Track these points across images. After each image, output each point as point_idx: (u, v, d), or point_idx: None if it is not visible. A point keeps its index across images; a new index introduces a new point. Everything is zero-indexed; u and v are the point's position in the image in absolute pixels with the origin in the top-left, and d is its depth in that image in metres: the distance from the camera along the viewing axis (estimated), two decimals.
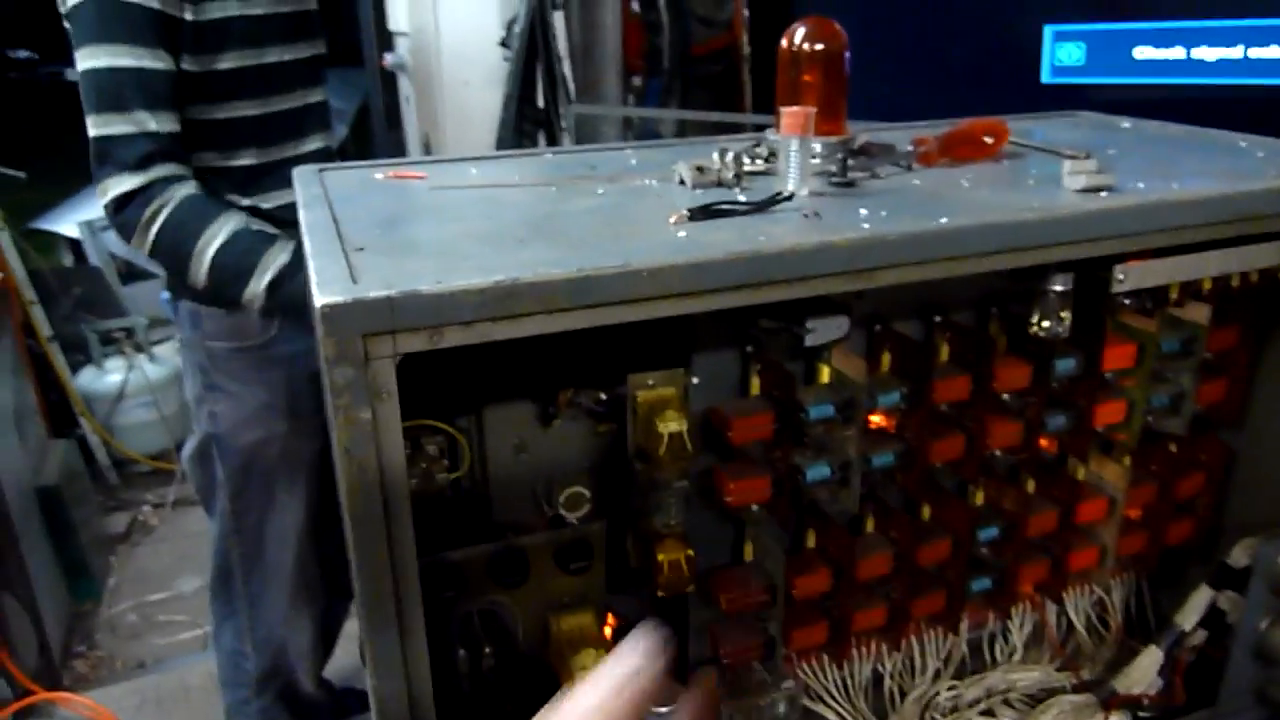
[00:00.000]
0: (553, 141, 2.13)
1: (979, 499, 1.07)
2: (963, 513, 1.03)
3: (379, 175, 0.93)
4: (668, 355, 0.89)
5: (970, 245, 0.71)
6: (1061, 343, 0.96)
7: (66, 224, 4.30)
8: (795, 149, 0.82)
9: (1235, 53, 1.31)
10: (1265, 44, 1.29)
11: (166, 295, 1.78)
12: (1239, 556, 1.08)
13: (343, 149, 4.75)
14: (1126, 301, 0.96)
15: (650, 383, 0.89)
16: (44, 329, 3.35)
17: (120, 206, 1.43)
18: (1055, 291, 0.88)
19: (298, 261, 1.42)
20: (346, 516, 0.61)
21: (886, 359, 0.97)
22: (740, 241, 0.67)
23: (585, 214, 0.78)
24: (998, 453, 1.01)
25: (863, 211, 0.77)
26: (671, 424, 0.86)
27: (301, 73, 1.69)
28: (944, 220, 0.71)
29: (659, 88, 2.32)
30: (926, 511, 1.06)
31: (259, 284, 1.42)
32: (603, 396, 0.95)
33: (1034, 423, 1.00)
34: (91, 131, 1.44)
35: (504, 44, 2.13)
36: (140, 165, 1.43)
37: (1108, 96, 1.46)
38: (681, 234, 0.70)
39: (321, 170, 0.95)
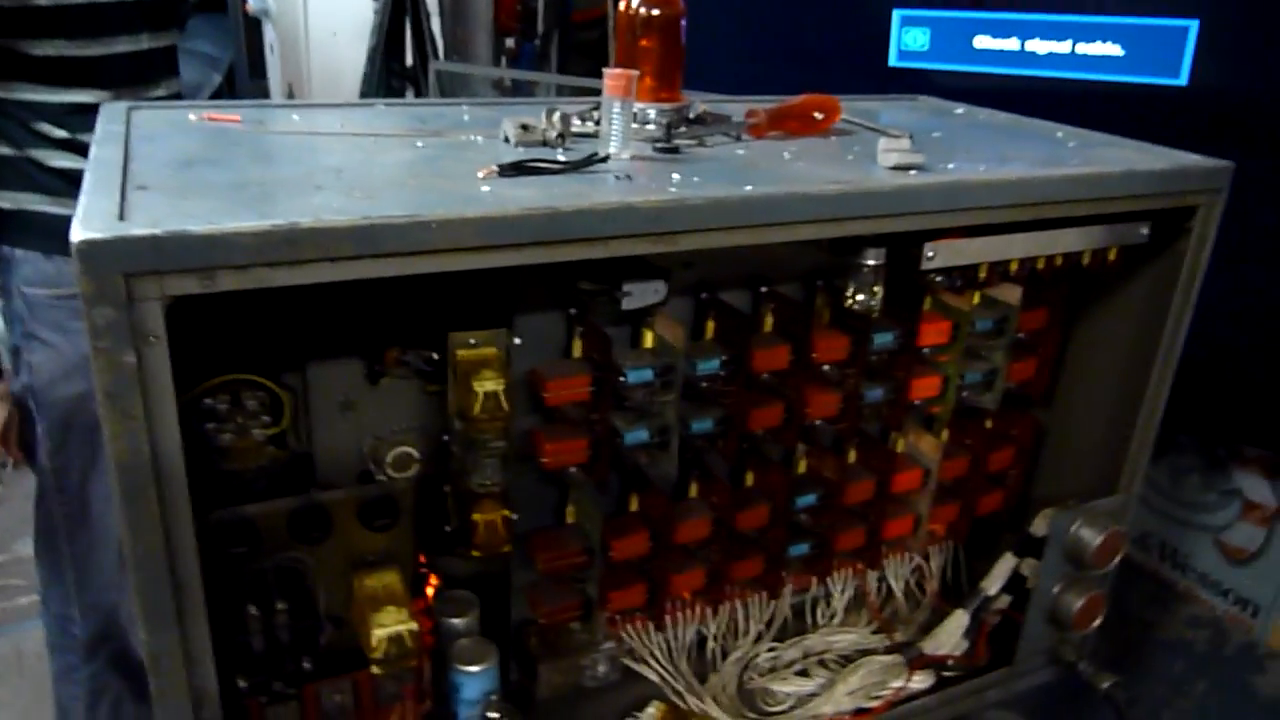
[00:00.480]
0: (419, 94, 2.08)
1: (801, 467, 1.10)
2: (782, 479, 1.06)
3: (192, 116, 0.89)
4: (492, 315, 0.88)
5: (771, 214, 0.72)
6: (881, 317, 0.99)
7: None
8: (616, 110, 0.82)
9: (1064, 47, 1.38)
10: (1092, 40, 1.36)
11: None
12: (1039, 526, 1.14)
13: (217, 95, 4.53)
14: (939, 279, 0.99)
15: (471, 342, 0.88)
16: None
17: None
18: (868, 265, 0.90)
19: None
20: (110, 466, 0.59)
21: (711, 327, 0.99)
22: (541, 199, 0.67)
23: (395, 166, 0.77)
24: (819, 422, 1.04)
25: (675, 176, 0.77)
26: (488, 383, 0.85)
27: (144, 14, 1.60)
28: (749, 188, 0.73)
29: (532, 51, 2.29)
30: (750, 478, 1.08)
31: None
32: (434, 356, 0.94)
33: (852, 394, 1.03)
34: None
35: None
36: None
37: (952, 84, 1.51)
38: (485, 189, 0.70)
39: (131, 109, 0.91)
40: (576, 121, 0.93)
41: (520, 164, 0.75)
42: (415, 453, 0.97)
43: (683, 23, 0.99)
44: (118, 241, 0.54)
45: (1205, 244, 1.03)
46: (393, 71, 2.12)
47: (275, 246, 0.57)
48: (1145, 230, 1.03)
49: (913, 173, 0.85)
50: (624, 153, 0.83)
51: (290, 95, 2.35)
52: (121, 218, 0.57)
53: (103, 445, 1.65)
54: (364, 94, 2.08)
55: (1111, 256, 1.06)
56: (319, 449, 0.93)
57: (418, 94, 2.14)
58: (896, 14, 1.49)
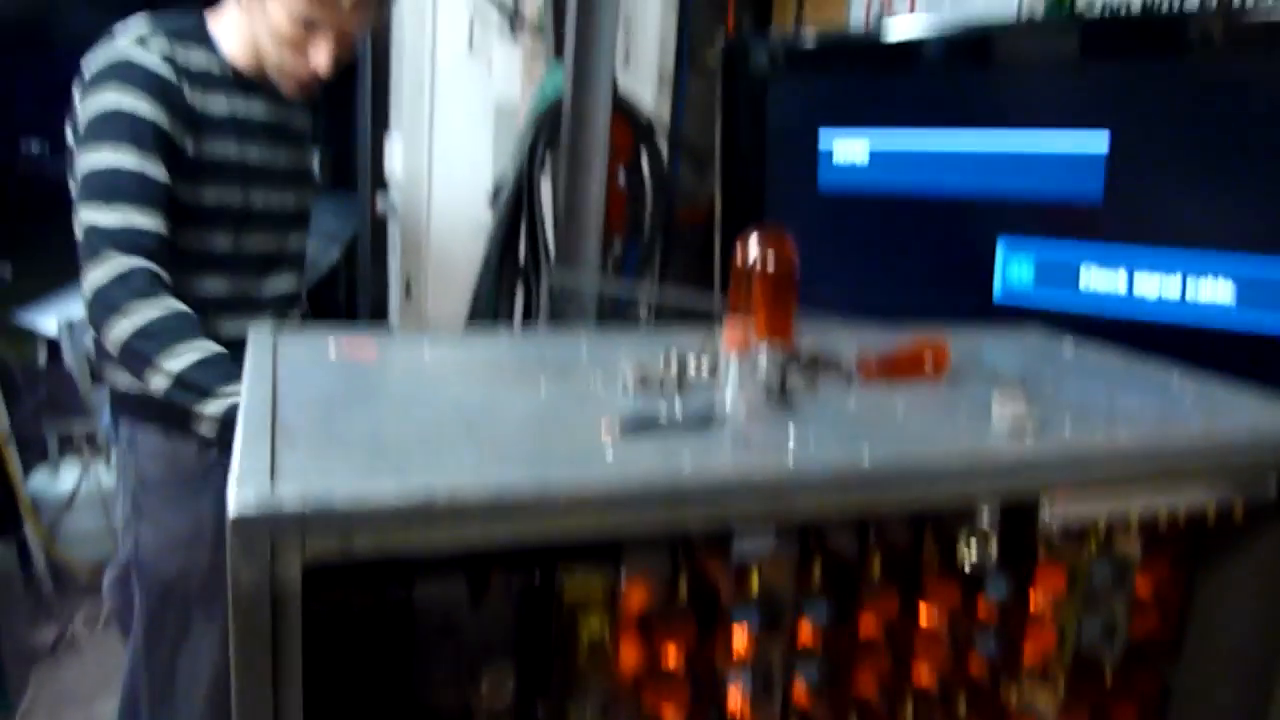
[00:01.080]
0: (529, 299, 2.18)
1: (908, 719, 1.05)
2: None
3: (332, 350, 0.95)
4: (602, 550, 0.89)
5: (888, 485, 0.73)
6: (995, 567, 0.96)
7: (46, 320, 4.32)
8: (734, 365, 0.84)
9: (1174, 287, 1.38)
10: (1204, 277, 1.36)
11: (107, 418, 1.78)
12: None
13: (333, 271, 4.83)
14: (1054, 536, 0.97)
15: (578, 575, 0.88)
16: (3, 425, 3.31)
17: (98, 294, 1.44)
18: (983, 524, 0.89)
19: None
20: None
21: (818, 570, 0.97)
22: (663, 466, 0.69)
23: (521, 416, 0.80)
24: (929, 675, 1.00)
25: (792, 438, 0.78)
26: (593, 628, 0.85)
27: (283, 219, 1.75)
28: (864, 457, 0.73)
29: (638, 251, 2.40)
30: None
31: (219, 406, 1.39)
32: (536, 579, 0.95)
33: (963, 646, 0.99)
34: (81, 220, 1.47)
35: (491, 203, 2.20)
36: (122, 255, 1.44)
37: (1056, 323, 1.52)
38: (608, 452, 0.72)
39: (277, 338, 0.97)
40: (691, 367, 0.96)
41: (640, 422, 0.77)
42: (511, 678, 0.96)
43: (796, 267, 1.02)
44: (269, 513, 0.57)
45: None
46: (504, 273, 2.24)
47: (412, 516, 0.60)
48: (1273, 487, 1.00)
49: (1029, 436, 0.84)
50: (740, 405, 0.85)
51: (408, 287, 2.49)
52: (271, 480, 0.61)
53: (195, 623, 1.69)
54: (478, 292, 2.19)
55: (1238, 513, 1.02)
56: (417, 664, 0.93)
57: (528, 292, 2.24)
58: (1001, 244, 1.53)
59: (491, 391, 0.86)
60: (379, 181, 2.62)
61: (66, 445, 3.64)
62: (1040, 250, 1.53)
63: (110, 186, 1.47)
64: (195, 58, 1.58)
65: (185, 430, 1.68)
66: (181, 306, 1.46)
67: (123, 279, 1.43)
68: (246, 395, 0.78)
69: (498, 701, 0.92)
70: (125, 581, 1.72)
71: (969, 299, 1.59)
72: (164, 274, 1.48)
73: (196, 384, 1.40)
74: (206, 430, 1.42)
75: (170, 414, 1.68)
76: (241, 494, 0.58)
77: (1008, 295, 1.58)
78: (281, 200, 1.77)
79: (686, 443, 0.75)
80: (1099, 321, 1.51)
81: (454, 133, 2.48)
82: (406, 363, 0.92)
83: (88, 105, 1.51)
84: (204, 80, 1.58)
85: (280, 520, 0.58)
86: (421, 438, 0.71)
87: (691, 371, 0.95)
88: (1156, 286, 1.42)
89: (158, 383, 1.41)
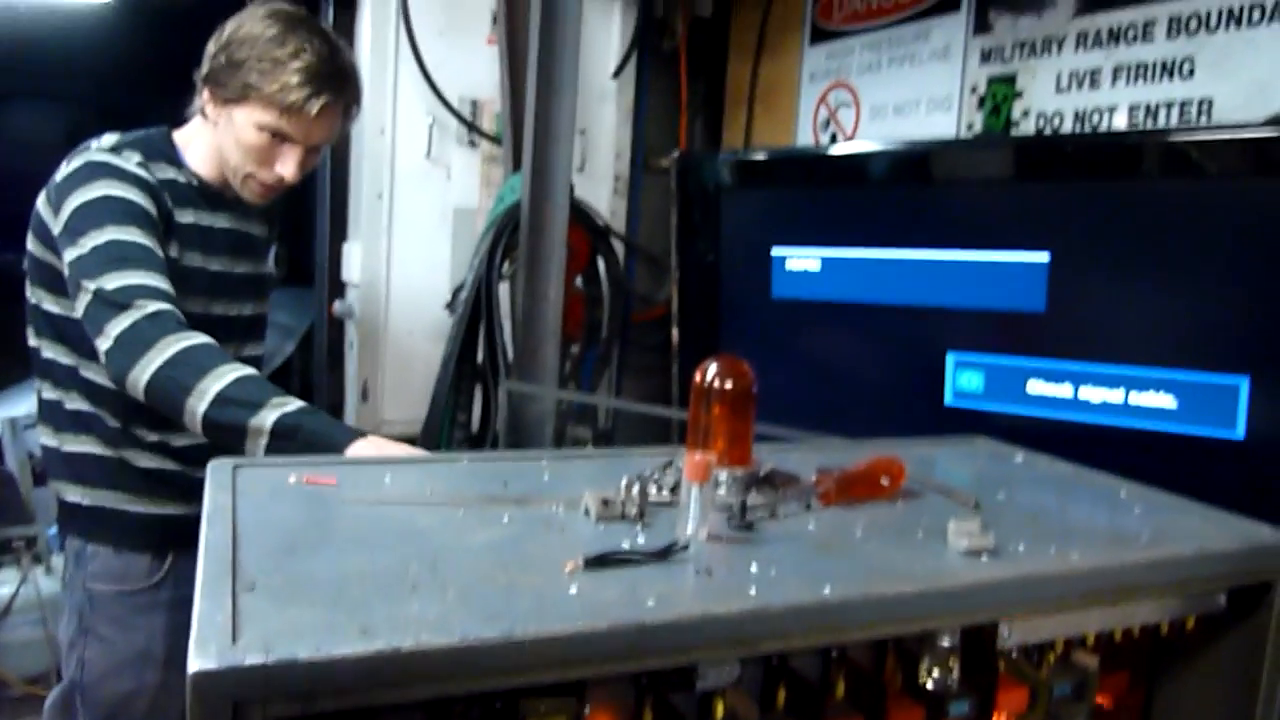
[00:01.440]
0: (487, 403, 2.18)
1: None
2: None
3: (292, 479, 0.94)
4: (564, 684, 0.88)
5: (849, 618, 0.74)
6: (955, 687, 0.97)
7: None
8: (695, 497, 0.85)
9: (1117, 396, 1.43)
10: (1144, 390, 1.41)
11: (53, 531, 1.74)
12: None
13: (287, 363, 4.79)
14: (1014, 654, 0.98)
15: (542, 709, 0.87)
16: None
17: (122, 337, 1.37)
18: (943, 646, 0.89)
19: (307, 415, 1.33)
20: None
21: (782, 695, 0.97)
22: (628, 604, 0.69)
23: (485, 551, 0.80)
24: None
25: (754, 569, 0.79)
26: None
27: (240, 326, 1.75)
28: (826, 589, 0.74)
29: (595, 355, 2.42)
30: None
31: (269, 416, 1.30)
32: (497, 705, 0.93)
33: None
34: (89, 290, 1.41)
35: (449, 308, 2.22)
36: (139, 305, 1.39)
37: (1007, 425, 1.56)
38: (572, 589, 0.72)
39: (236, 468, 0.97)
40: (652, 489, 0.97)
41: (604, 557, 0.77)
42: None
43: (754, 391, 1.05)
44: (230, 672, 0.56)
45: None
46: (463, 374, 2.24)
47: (377, 672, 0.59)
48: (1222, 600, 1.02)
49: (984, 559, 0.86)
50: (701, 533, 0.86)
51: (364, 390, 2.48)
52: (233, 638, 0.60)
53: None
54: (436, 396, 2.19)
55: (1190, 625, 1.04)
56: None
57: (485, 393, 2.25)
58: (950, 356, 1.57)
59: (453, 524, 0.86)
60: (336, 287, 2.63)
61: (3, 550, 3.51)
62: (988, 358, 1.58)
63: (119, 256, 1.44)
64: (164, 171, 1.61)
65: (137, 544, 1.64)
66: (210, 340, 1.40)
67: (151, 319, 1.38)
68: (205, 534, 0.77)
69: None
70: (69, 706, 1.66)
71: (921, 403, 1.63)
72: (180, 315, 1.43)
73: (242, 399, 1.31)
74: (251, 450, 1.31)
75: (124, 528, 1.64)
76: (203, 651, 0.57)
77: (959, 400, 1.62)
78: (240, 308, 1.78)
79: (650, 578, 0.75)
80: (1047, 424, 1.55)
81: (412, 238, 2.52)
82: (367, 493, 0.92)
83: (71, 202, 1.49)
84: (173, 191, 1.60)
85: (243, 680, 0.57)
86: (384, 582, 0.70)
87: (653, 495, 0.96)
88: (1101, 393, 1.46)
89: (199, 407, 1.32)
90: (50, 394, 1.69)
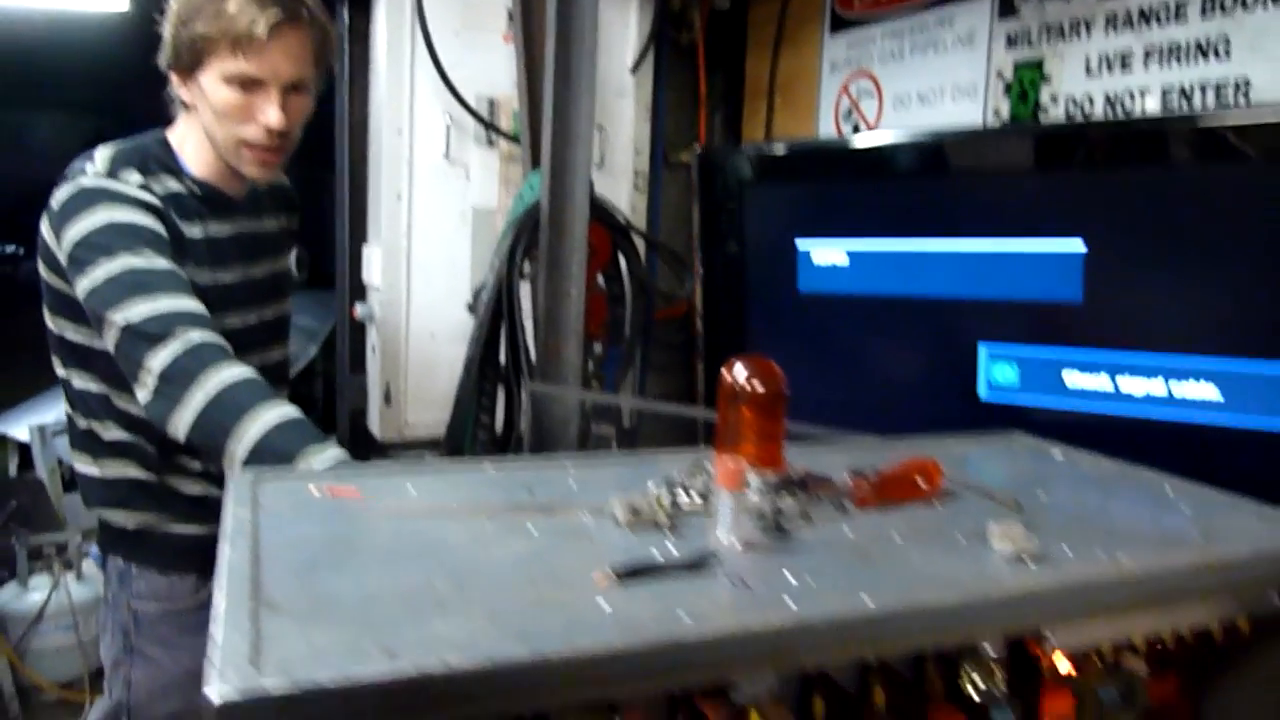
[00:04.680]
0: (511, 405, 2.16)
1: None
2: None
3: (314, 491, 0.93)
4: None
5: (893, 630, 0.71)
6: (1000, 696, 0.94)
7: (18, 428, 4.23)
8: (728, 503, 0.83)
9: (1159, 388, 1.39)
10: (1187, 379, 1.37)
11: (96, 552, 1.73)
12: None
13: (310, 366, 4.80)
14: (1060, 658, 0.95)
15: None
16: None
17: (159, 387, 1.34)
18: (988, 653, 0.86)
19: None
20: None
21: (819, 705, 0.94)
22: (662, 620, 0.67)
23: (512, 565, 0.78)
24: None
25: (790, 579, 0.76)
26: None
27: (259, 334, 1.73)
28: (866, 598, 0.71)
29: (618, 354, 2.39)
30: None
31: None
32: None
33: None
34: (118, 323, 1.37)
35: (470, 309, 2.20)
36: (176, 333, 1.35)
37: (1044, 420, 1.52)
38: (604, 604, 0.69)
39: (256, 482, 0.95)
40: (682, 495, 0.94)
41: (635, 570, 0.75)
42: None
43: (784, 393, 1.02)
44: (253, 701, 0.54)
45: None
46: (485, 375, 2.22)
47: (402, 696, 0.57)
48: (1277, 599, 0.98)
49: (1030, 564, 0.83)
50: (734, 540, 0.83)
51: (387, 394, 2.47)
52: (255, 663, 0.58)
53: None
54: (459, 398, 2.17)
55: (1242, 626, 1.00)
56: None
57: (508, 394, 2.23)
58: (982, 349, 1.54)
59: (479, 536, 0.84)
60: (357, 290, 2.62)
61: (36, 557, 3.54)
62: (1022, 350, 1.54)
63: (139, 283, 1.39)
64: (166, 184, 1.56)
65: (182, 564, 1.62)
66: (252, 374, 1.36)
67: (190, 352, 1.34)
68: (227, 553, 0.75)
69: None
70: None
71: (953, 398, 1.59)
72: (218, 340, 1.38)
73: (280, 449, 1.28)
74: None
75: (170, 549, 1.62)
76: (223, 678, 0.56)
77: (993, 393, 1.58)
78: (261, 313, 1.75)
79: (684, 591, 0.73)
80: (1085, 418, 1.51)
81: (432, 239, 2.50)
82: (390, 505, 0.90)
83: (72, 233, 1.45)
84: (177, 205, 1.56)
85: (265, 708, 0.55)
86: (408, 601, 0.68)
87: (683, 501, 0.94)
88: (1142, 385, 1.42)
89: (237, 452, 1.30)
90: (84, 423, 1.66)
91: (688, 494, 0.96)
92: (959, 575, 0.79)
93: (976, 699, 0.90)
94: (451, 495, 0.94)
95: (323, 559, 0.76)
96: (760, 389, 0.99)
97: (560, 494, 0.97)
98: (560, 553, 0.81)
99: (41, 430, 4.05)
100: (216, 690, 0.55)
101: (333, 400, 2.83)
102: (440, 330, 2.48)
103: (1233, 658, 1.07)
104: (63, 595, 3.42)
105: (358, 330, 2.64)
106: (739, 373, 1.01)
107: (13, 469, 4.22)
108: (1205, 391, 1.35)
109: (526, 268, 2.23)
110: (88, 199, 1.47)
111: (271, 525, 0.83)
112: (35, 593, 3.44)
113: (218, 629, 0.62)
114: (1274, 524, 0.99)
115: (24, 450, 4.24)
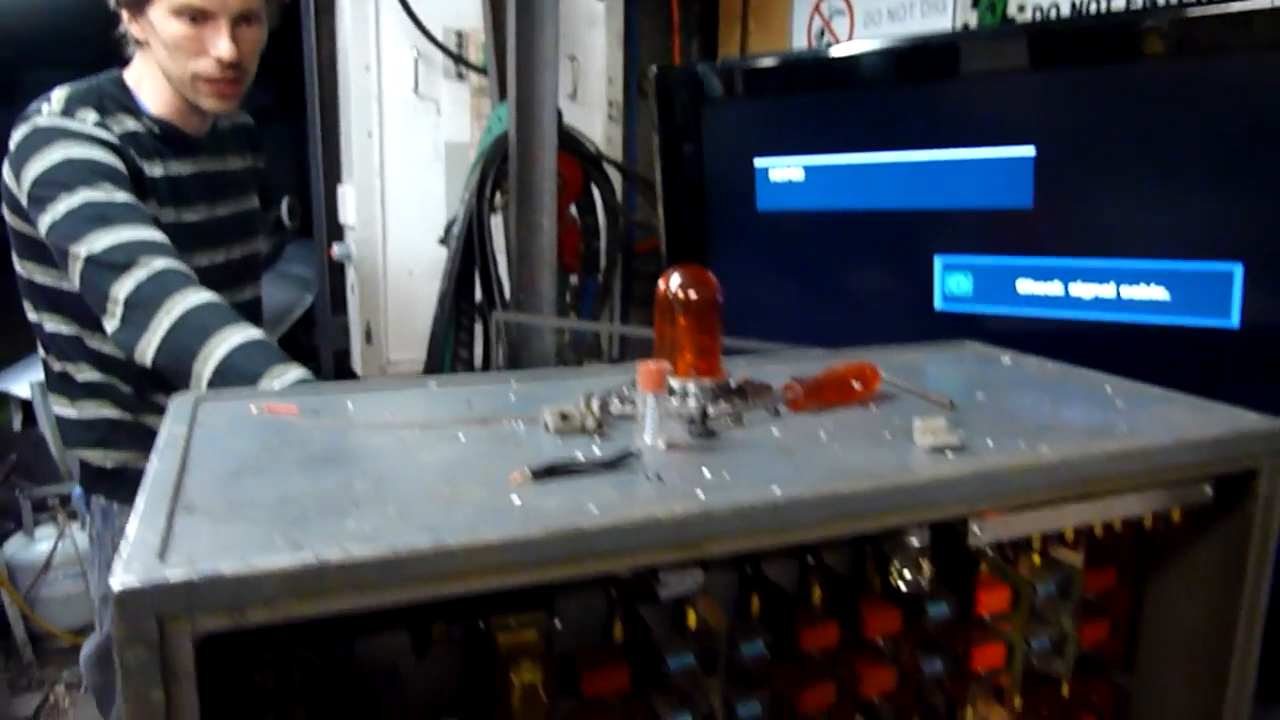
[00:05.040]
0: (488, 339, 2.17)
1: None
2: None
3: (254, 409, 0.94)
4: (533, 597, 0.88)
5: (799, 517, 0.72)
6: (935, 586, 0.96)
7: (20, 384, 4.27)
8: (650, 405, 0.84)
9: (1109, 291, 1.39)
10: (1135, 284, 1.37)
11: (78, 491, 1.76)
12: None
13: (309, 314, 4.82)
14: (990, 552, 0.97)
15: (512, 625, 0.87)
16: None
17: (125, 314, 1.35)
18: (912, 545, 0.88)
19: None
20: None
21: (756, 602, 0.96)
22: (569, 511, 0.68)
23: (434, 468, 0.79)
24: (876, 700, 0.99)
25: (705, 473, 0.78)
26: (526, 674, 0.84)
27: (229, 274, 1.74)
28: (776, 490, 0.73)
29: (595, 287, 2.40)
30: None
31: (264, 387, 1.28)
32: (481, 626, 0.94)
33: (909, 668, 0.98)
34: (81, 255, 1.37)
35: (442, 243, 2.21)
36: (141, 262, 1.35)
37: (1000, 327, 1.52)
38: (515, 499, 0.71)
39: (199, 401, 0.96)
40: (616, 403, 0.96)
41: (552, 468, 0.76)
42: None
43: (719, 301, 1.02)
44: (152, 588, 0.56)
45: (1274, 505, 0.98)
46: (462, 311, 2.23)
47: (303, 583, 0.59)
48: (1209, 490, 1.00)
49: (950, 455, 0.84)
50: (659, 442, 0.85)
51: (368, 332, 2.48)
52: (161, 556, 0.60)
53: None
54: (435, 334, 2.18)
55: (1175, 517, 1.02)
56: None
57: (485, 332, 2.24)
58: (938, 260, 1.53)
59: (407, 444, 0.85)
60: (335, 232, 2.62)
61: (41, 509, 3.60)
62: (976, 260, 1.53)
63: (99, 215, 1.39)
64: (123, 123, 1.57)
65: None
66: (216, 298, 1.36)
67: (154, 278, 1.34)
68: (155, 464, 0.77)
69: None
70: (104, 661, 1.69)
71: (911, 310, 1.59)
72: (184, 267, 1.38)
73: (244, 368, 1.28)
74: None
75: None
76: (126, 569, 0.57)
77: (948, 304, 1.58)
78: (228, 253, 1.76)
79: (597, 486, 0.74)
80: (1039, 324, 1.51)
81: (406, 176, 2.49)
82: (327, 419, 0.92)
83: (29, 172, 1.46)
84: (136, 144, 1.57)
85: (166, 595, 0.57)
86: (325, 502, 0.70)
87: (616, 407, 0.95)
88: (1092, 289, 1.42)
89: (203, 373, 1.30)
90: (58, 366, 1.68)
91: (622, 402, 0.97)
92: (875, 467, 0.81)
93: (907, 592, 0.92)
94: (389, 410, 0.96)
95: (247, 467, 0.78)
96: (694, 296, 1.00)
97: (499, 407, 0.98)
98: (485, 458, 0.83)
99: (42, 386, 4.08)
100: (119, 579, 0.56)
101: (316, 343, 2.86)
102: (418, 267, 2.49)
103: (1168, 549, 1.09)
104: (68, 544, 3.50)
105: (338, 271, 2.65)
106: (673, 281, 1.01)
107: (16, 424, 4.28)
108: (1154, 292, 1.35)
109: (498, 200, 2.23)
110: (44, 137, 1.48)
111: (204, 439, 0.85)
112: (42, 543, 3.51)
113: (131, 528, 0.64)
114: (1206, 415, 0.99)
115: (26, 406, 4.28)
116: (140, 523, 0.65)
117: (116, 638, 0.57)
